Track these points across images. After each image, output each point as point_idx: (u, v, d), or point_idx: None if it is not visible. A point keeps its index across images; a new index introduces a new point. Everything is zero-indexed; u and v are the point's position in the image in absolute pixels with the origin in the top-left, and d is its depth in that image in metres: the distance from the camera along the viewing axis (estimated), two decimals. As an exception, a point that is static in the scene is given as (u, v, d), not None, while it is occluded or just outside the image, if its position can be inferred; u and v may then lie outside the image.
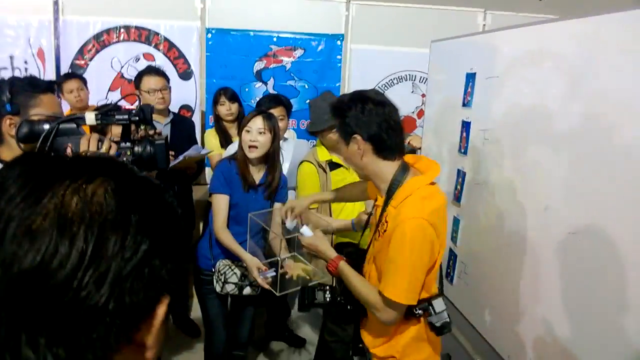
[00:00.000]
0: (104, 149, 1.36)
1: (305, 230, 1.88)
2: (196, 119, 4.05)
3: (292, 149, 3.12)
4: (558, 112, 1.71)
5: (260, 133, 2.31)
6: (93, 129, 1.47)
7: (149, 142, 1.43)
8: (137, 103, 3.26)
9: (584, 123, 1.58)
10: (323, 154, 2.60)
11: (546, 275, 1.75)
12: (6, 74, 3.78)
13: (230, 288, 2.39)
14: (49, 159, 0.52)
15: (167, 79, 3.10)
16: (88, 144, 1.36)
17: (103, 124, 1.41)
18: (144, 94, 2.98)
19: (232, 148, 2.80)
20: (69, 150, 1.36)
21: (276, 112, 2.92)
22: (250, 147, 2.31)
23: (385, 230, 1.62)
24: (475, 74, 2.24)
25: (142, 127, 1.54)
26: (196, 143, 3.27)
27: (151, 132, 1.57)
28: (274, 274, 2.21)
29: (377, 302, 1.59)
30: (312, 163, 2.58)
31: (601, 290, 1.50)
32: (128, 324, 0.47)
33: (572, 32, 1.69)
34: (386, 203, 1.63)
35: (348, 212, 2.59)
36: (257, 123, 2.31)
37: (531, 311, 1.85)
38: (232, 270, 2.40)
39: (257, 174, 2.43)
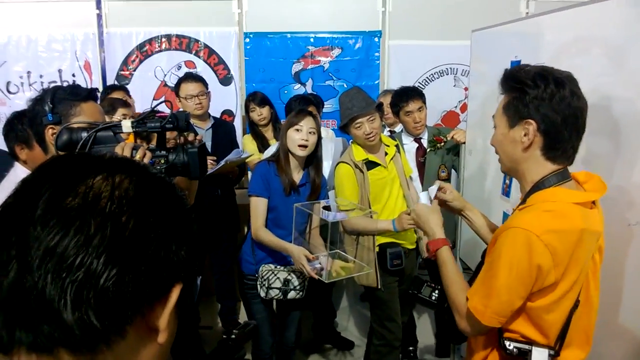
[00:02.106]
0: (137, 157, 1.36)
1: (424, 196, 1.71)
2: (237, 123, 4.09)
3: (331, 149, 3.10)
4: (609, 99, 1.61)
5: (311, 133, 2.35)
6: (138, 136, 1.48)
7: (182, 151, 1.43)
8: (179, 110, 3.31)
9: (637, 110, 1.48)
10: (359, 154, 2.54)
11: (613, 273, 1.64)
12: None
13: (274, 293, 2.39)
14: (77, 157, 0.57)
15: (205, 85, 3.14)
16: (122, 152, 1.37)
17: (138, 130, 1.41)
18: (182, 100, 3.04)
19: (270, 151, 2.82)
20: None
21: (311, 110, 2.97)
22: (300, 145, 2.33)
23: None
24: (519, 61, 2.14)
25: (184, 133, 1.53)
26: (237, 147, 3.30)
27: (191, 138, 1.56)
28: (320, 265, 2.21)
29: (460, 306, 1.38)
30: (347, 164, 2.52)
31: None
32: (143, 299, 0.51)
33: (619, 13, 1.58)
34: (518, 206, 1.37)
35: (388, 213, 2.54)
36: (309, 123, 2.35)
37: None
38: (275, 275, 2.39)
39: (297, 175, 2.42)
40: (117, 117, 2.42)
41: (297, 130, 2.33)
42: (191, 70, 3.87)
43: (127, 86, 3.71)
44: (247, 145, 3.37)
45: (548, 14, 2.05)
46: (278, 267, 2.40)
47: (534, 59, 2.05)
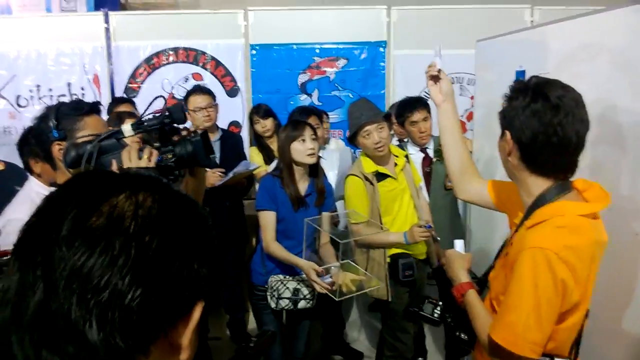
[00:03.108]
0: (145, 157, 1.37)
1: (459, 244, 1.69)
2: (244, 134, 4.11)
3: (337, 159, 3.12)
4: (615, 107, 1.61)
5: (313, 140, 2.39)
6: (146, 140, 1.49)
7: (187, 141, 1.44)
8: (189, 122, 3.34)
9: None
10: (368, 165, 2.53)
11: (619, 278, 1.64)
12: (65, 101, 3.98)
13: (284, 303, 2.40)
14: (100, 175, 0.58)
15: (213, 97, 3.18)
16: (129, 155, 1.38)
17: (139, 133, 1.43)
18: (191, 113, 3.07)
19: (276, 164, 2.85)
20: (114, 166, 1.38)
21: (312, 121, 2.99)
22: (308, 155, 2.37)
23: (507, 254, 1.37)
24: (524, 71, 2.16)
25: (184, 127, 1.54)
26: (245, 159, 3.32)
27: (184, 132, 1.58)
28: (330, 279, 2.21)
29: (482, 341, 1.33)
30: (357, 176, 2.51)
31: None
32: (166, 318, 0.52)
33: (624, 22, 1.59)
34: (522, 221, 1.35)
35: (400, 225, 2.53)
36: (309, 131, 2.40)
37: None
38: (285, 285, 2.40)
39: (303, 185, 2.45)
40: None
41: (303, 140, 2.35)
42: (198, 83, 3.91)
43: (135, 99, 3.75)
44: (253, 157, 3.40)
45: (553, 24, 2.07)
46: (287, 277, 2.41)
47: (538, 69, 2.07)
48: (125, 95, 3.98)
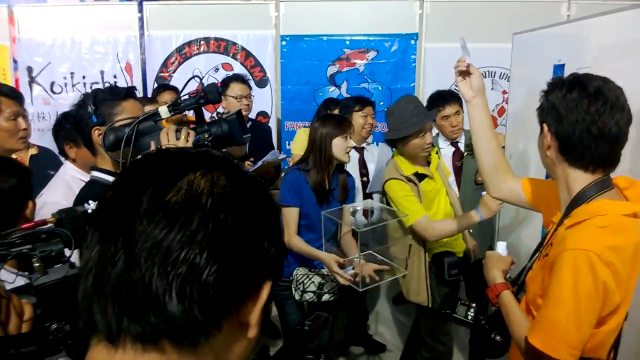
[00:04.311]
0: (182, 137, 1.40)
1: (501, 246, 1.66)
2: (272, 124, 4.13)
3: (375, 153, 3.12)
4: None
5: (351, 138, 2.40)
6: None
7: (222, 121, 1.45)
8: (220, 108, 3.38)
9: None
10: (406, 167, 2.41)
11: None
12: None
13: (309, 296, 2.40)
14: (174, 153, 0.59)
15: (251, 88, 3.23)
16: (167, 137, 1.41)
17: (176, 113, 1.45)
18: (229, 98, 3.11)
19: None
20: (152, 147, 1.41)
21: (369, 110, 3.07)
22: (347, 152, 2.38)
23: (546, 255, 1.32)
24: (564, 65, 2.11)
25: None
26: (273, 149, 3.34)
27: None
28: (352, 271, 2.20)
29: (519, 343, 1.30)
30: (399, 179, 2.38)
31: None
32: (239, 294, 0.53)
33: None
34: (561, 220, 1.31)
35: (440, 217, 2.46)
36: (352, 131, 2.42)
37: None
38: (310, 279, 2.41)
39: (329, 180, 2.44)
40: None
41: (345, 138, 2.35)
42: (228, 73, 3.94)
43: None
44: (300, 136, 3.39)
45: (592, 18, 2.01)
46: (313, 270, 2.41)
47: (577, 63, 2.02)
48: (156, 84, 4.04)
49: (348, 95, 4.02)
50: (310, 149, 2.42)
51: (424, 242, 2.39)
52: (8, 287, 0.77)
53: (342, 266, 2.22)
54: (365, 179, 3.08)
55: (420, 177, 2.44)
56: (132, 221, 0.50)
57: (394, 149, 2.53)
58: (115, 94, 1.56)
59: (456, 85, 1.77)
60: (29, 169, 1.50)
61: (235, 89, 3.14)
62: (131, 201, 0.52)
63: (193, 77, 1.48)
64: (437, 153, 2.62)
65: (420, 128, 2.32)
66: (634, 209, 1.24)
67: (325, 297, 2.41)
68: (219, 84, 3.17)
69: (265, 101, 4.18)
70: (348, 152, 2.37)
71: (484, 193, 2.22)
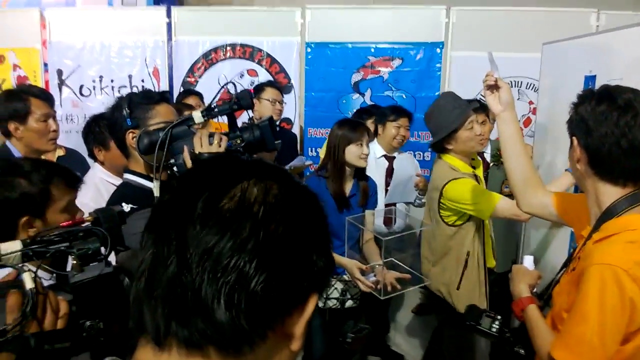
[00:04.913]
0: (215, 143, 1.42)
1: (528, 260, 1.68)
2: (295, 131, 4.15)
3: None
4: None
5: (367, 145, 2.39)
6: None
7: (254, 127, 1.47)
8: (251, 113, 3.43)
9: None
10: (464, 167, 2.31)
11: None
12: (125, 92, 4.13)
13: (332, 303, 2.40)
14: (228, 161, 0.60)
15: (283, 95, 3.32)
16: (200, 141, 1.42)
17: (209, 118, 1.47)
18: (264, 101, 3.17)
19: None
20: (186, 152, 1.43)
21: (404, 122, 3.09)
22: (362, 158, 2.38)
23: (574, 269, 1.31)
24: (595, 76, 2.07)
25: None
26: (298, 155, 3.37)
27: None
28: (374, 278, 2.19)
29: (542, 358, 1.29)
30: (460, 177, 2.24)
31: None
32: (286, 305, 0.53)
33: None
34: (590, 234, 1.29)
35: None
36: (367, 137, 2.40)
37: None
38: (333, 285, 2.41)
39: (348, 185, 2.45)
40: None
41: (359, 145, 2.35)
42: (253, 79, 3.98)
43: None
44: None
45: (623, 29, 1.98)
46: (335, 276, 2.41)
47: (608, 74, 1.98)
48: (182, 89, 4.09)
49: (372, 103, 4.01)
50: (327, 155, 2.43)
51: (483, 248, 2.35)
52: (45, 284, 0.78)
53: (363, 273, 2.21)
54: (390, 188, 3.06)
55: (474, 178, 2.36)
56: (186, 226, 0.51)
57: (438, 155, 2.40)
58: (149, 98, 1.58)
59: (482, 95, 1.75)
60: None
61: (271, 93, 3.21)
62: (186, 206, 0.52)
63: (227, 83, 1.50)
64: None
65: (465, 117, 2.22)
66: None
67: (349, 304, 2.40)
68: (251, 90, 3.22)
69: (289, 107, 4.19)
70: (364, 158, 2.37)
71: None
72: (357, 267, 2.19)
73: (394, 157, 3.18)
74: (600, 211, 1.28)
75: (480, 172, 2.48)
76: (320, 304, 2.40)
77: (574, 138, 1.29)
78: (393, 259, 2.41)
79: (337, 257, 2.29)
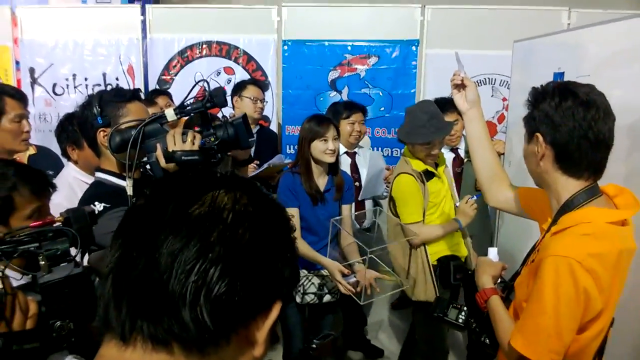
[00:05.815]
0: (188, 140, 1.42)
1: (492, 252, 1.71)
2: (272, 128, 4.15)
3: (367, 157, 3.12)
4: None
5: (335, 139, 2.38)
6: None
7: (228, 124, 1.47)
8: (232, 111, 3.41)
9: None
10: (417, 164, 2.45)
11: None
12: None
13: (310, 298, 2.41)
14: (201, 173, 0.62)
15: (264, 93, 3.32)
16: (174, 139, 1.42)
17: (182, 116, 1.46)
18: (245, 99, 3.16)
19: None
20: (159, 150, 1.42)
21: (357, 117, 3.02)
22: (328, 154, 2.37)
23: (533, 260, 1.35)
24: (563, 73, 2.13)
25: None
26: (278, 153, 3.37)
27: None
28: (355, 279, 2.21)
29: (503, 347, 1.34)
30: (410, 174, 2.41)
31: None
32: (249, 310, 0.55)
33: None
34: (549, 227, 1.34)
35: (443, 222, 2.49)
36: (333, 132, 2.39)
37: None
38: (310, 280, 2.42)
39: (322, 181, 2.46)
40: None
41: (325, 140, 2.36)
42: (230, 77, 3.97)
43: (168, 90, 3.81)
44: None
45: (592, 27, 2.03)
46: (312, 271, 2.42)
47: (577, 72, 2.03)
48: (158, 87, 4.06)
49: (348, 100, 4.03)
50: (297, 151, 2.46)
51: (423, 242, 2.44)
52: (15, 284, 0.78)
53: (344, 275, 2.23)
54: (357, 183, 3.07)
55: (429, 175, 2.46)
56: (156, 228, 0.53)
57: (404, 146, 2.56)
58: (120, 96, 1.56)
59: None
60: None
61: (253, 91, 3.22)
62: (157, 210, 0.54)
63: (200, 81, 1.49)
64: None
65: (431, 139, 2.36)
66: (620, 216, 1.27)
67: (327, 298, 2.42)
68: (224, 88, 3.21)
69: (266, 105, 4.20)
70: (329, 154, 2.36)
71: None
72: (338, 270, 2.21)
73: (355, 153, 3.18)
74: (559, 205, 1.32)
75: (441, 169, 2.54)
76: (298, 299, 2.42)
77: (537, 135, 1.31)
78: (372, 256, 2.43)
79: (320, 257, 2.30)
